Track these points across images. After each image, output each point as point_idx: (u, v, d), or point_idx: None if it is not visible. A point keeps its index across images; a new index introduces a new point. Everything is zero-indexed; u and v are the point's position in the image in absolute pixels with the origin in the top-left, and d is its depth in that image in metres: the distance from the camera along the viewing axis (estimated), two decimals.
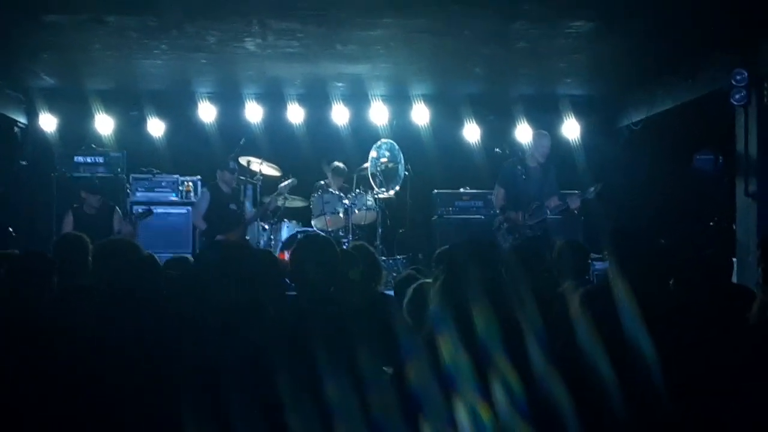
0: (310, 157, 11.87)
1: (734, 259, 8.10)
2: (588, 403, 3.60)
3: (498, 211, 10.38)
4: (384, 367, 4.04)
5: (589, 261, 6.26)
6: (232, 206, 10.64)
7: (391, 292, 6.59)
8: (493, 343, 3.69)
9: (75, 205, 10.19)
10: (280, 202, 11.02)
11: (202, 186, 11.77)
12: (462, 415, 3.65)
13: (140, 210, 10.64)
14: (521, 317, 3.86)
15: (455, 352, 3.72)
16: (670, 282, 4.55)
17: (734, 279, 7.21)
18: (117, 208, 10.38)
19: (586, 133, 12.17)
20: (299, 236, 10.74)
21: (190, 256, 7.97)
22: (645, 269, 4.04)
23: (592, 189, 9.94)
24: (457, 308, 3.85)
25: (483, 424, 3.62)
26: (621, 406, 3.60)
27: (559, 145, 11.68)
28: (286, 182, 10.97)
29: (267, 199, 11.00)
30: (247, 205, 11.17)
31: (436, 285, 4.08)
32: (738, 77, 8.53)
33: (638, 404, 3.63)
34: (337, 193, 11.18)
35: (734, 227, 9.25)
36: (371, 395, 3.79)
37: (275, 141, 11.93)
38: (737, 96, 8.59)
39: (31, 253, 4.76)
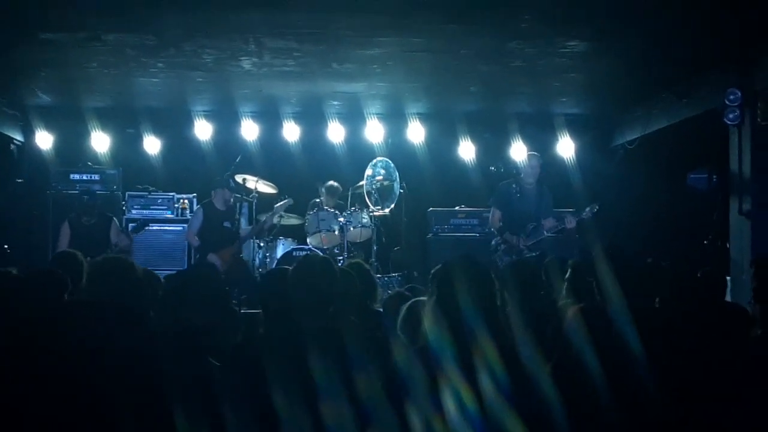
0: (305, 175, 11.90)
1: (728, 278, 8.12)
2: (583, 418, 3.62)
3: (495, 232, 10.38)
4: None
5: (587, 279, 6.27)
6: (227, 224, 10.60)
7: None
8: (486, 359, 3.71)
9: (72, 215, 10.20)
10: (275, 220, 11.02)
11: (197, 204, 11.78)
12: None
13: (134, 225, 10.65)
14: (516, 333, 3.88)
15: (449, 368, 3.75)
16: (656, 300, 4.57)
17: (728, 297, 7.22)
18: (114, 219, 10.38)
19: (581, 152, 12.21)
20: (294, 254, 10.74)
21: None
22: (632, 285, 4.06)
23: (588, 209, 9.96)
24: (451, 325, 3.87)
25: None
26: (616, 421, 3.62)
27: (554, 163, 11.72)
28: (282, 202, 10.97)
29: (263, 218, 11.01)
30: (243, 222, 11.17)
31: (430, 302, 4.10)
32: (731, 97, 8.58)
33: (632, 420, 3.65)
34: (332, 210, 11.21)
35: (728, 245, 9.29)
36: (367, 412, 3.81)
37: (271, 159, 11.95)
38: (731, 115, 8.64)
39: (43, 271, 4.76)
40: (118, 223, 10.39)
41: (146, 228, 10.63)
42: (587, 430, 3.65)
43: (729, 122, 8.70)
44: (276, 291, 4.61)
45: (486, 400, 3.62)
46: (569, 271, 5.42)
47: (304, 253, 10.80)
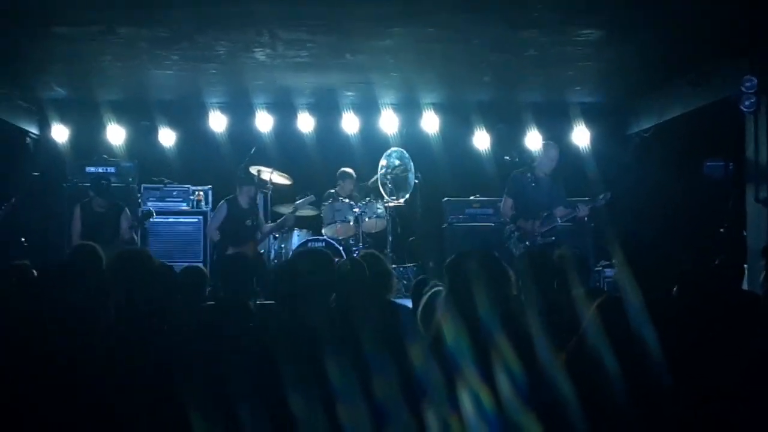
0: (320, 166, 11.92)
1: (745, 266, 8.09)
2: (597, 410, 3.61)
3: (508, 221, 10.37)
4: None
5: (588, 268, 6.27)
6: (248, 222, 10.61)
7: (402, 300, 6.65)
8: (503, 357, 3.71)
9: (84, 200, 10.28)
10: (295, 214, 11.04)
11: (214, 196, 11.81)
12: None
13: (141, 212, 10.69)
14: (532, 326, 3.88)
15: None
16: (674, 289, 4.56)
17: (745, 285, 7.20)
18: (126, 209, 10.40)
19: (596, 140, 12.17)
20: (310, 245, 10.75)
21: (202, 265, 8.05)
22: (650, 275, 4.05)
23: (601, 197, 9.93)
24: (465, 320, 3.88)
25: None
26: (631, 414, 3.61)
27: (569, 152, 11.68)
28: (303, 199, 10.99)
29: (282, 210, 11.04)
30: (261, 217, 11.19)
31: (443, 296, 4.11)
32: (747, 84, 8.53)
33: (647, 412, 3.64)
34: (347, 201, 11.22)
35: (745, 234, 9.24)
36: (384, 412, 3.82)
37: (285, 150, 11.96)
38: (747, 103, 8.58)
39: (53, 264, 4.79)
40: (129, 213, 10.41)
41: (152, 218, 10.71)
42: (604, 427, 3.63)
43: (745, 110, 8.64)
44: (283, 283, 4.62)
45: (503, 399, 3.62)
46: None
47: (320, 244, 10.84)
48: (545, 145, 10.52)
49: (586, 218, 10.10)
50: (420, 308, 4.94)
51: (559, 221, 9.98)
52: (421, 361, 4.01)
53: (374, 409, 3.84)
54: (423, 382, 3.89)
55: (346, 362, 3.88)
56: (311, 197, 11.06)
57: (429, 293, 5.03)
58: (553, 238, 9.79)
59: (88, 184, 10.57)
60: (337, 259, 6.04)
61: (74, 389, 3.82)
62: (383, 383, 3.90)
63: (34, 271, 5.14)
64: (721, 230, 9.86)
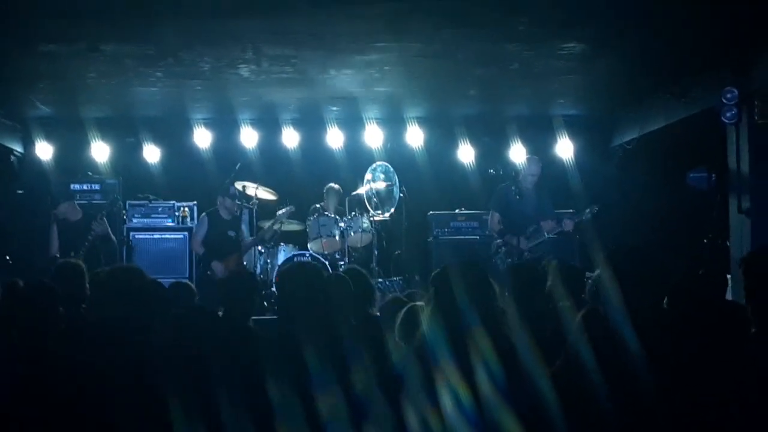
0: (305, 181, 11.95)
1: (728, 276, 8.13)
2: (581, 417, 3.64)
3: (495, 235, 10.40)
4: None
5: (585, 281, 6.29)
6: (231, 233, 10.69)
7: None
8: (483, 355, 3.73)
9: (59, 219, 10.34)
10: (276, 226, 11.06)
11: (199, 212, 11.81)
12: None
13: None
14: (514, 333, 3.90)
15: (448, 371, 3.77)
16: (665, 300, 4.59)
17: (729, 296, 7.24)
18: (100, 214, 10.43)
19: (579, 153, 12.22)
20: (295, 260, 10.77)
21: (188, 281, 8.06)
22: (646, 286, 4.07)
23: (587, 211, 9.98)
24: (448, 324, 3.90)
25: None
26: (614, 422, 3.63)
27: (553, 164, 11.74)
28: (284, 210, 11.02)
29: (265, 226, 11.07)
30: (244, 229, 11.21)
31: (429, 306, 4.13)
32: (728, 95, 8.58)
33: (633, 420, 3.66)
34: (332, 216, 11.24)
35: (728, 244, 9.30)
36: (363, 406, 3.84)
37: (271, 165, 11.98)
38: (728, 114, 8.63)
39: (35, 284, 4.78)
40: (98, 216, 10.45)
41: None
42: (584, 427, 3.66)
43: (726, 121, 8.69)
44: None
45: (482, 396, 3.64)
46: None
47: (306, 258, 10.85)
48: (528, 160, 10.59)
49: (571, 231, 10.15)
50: (398, 323, 4.95)
51: (546, 235, 10.02)
52: (400, 356, 4.04)
53: (353, 402, 3.87)
54: (402, 376, 3.92)
55: (325, 357, 3.91)
56: (291, 208, 11.08)
57: (405, 308, 5.04)
58: (539, 254, 9.81)
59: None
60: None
61: (66, 404, 3.83)
62: (361, 377, 3.93)
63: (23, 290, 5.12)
64: (705, 241, 9.92)
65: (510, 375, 3.72)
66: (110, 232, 10.46)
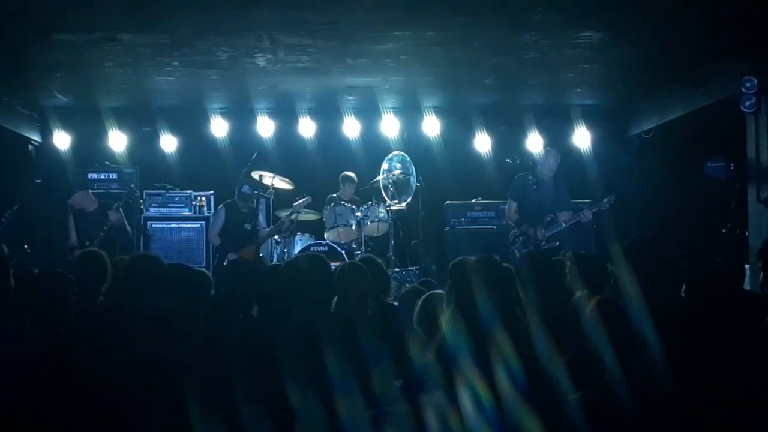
0: (322, 171, 11.96)
1: (746, 266, 8.09)
2: (600, 412, 3.62)
3: (513, 224, 10.39)
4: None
5: (605, 270, 6.24)
6: (247, 226, 10.71)
7: None
8: (503, 355, 3.72)
9: (75, 209, 10.52)
10: (293, 217, 11.08)
11: (216, 201, 11.84)
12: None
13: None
14: (533, 327, 3.89)
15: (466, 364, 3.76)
16: (682, 289, 4.56)
17: (747, 286, 7.20)
18: (116, 204, 10.53)
19: (597, 142, 12.17)
20: (312, 249, 10.79)
21: (206, 270, 8.07)
22: (663, 278, 4.05)
23: (605, 200, 9.95)
24: (467, 320, 3.89)
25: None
26: (632, 414, 3.61)
27: (570, 154, 11.69)
28: (301, 200, 11.03)
29: (282, 216, 11.09)
30: (261, 219, 11.23)
31: (448, 310, 4.12)
32: (747, 84, 8.51)
33: (650, 413, 3.64)
34: (349, 205, 11.24)
35: (746, 234, 9.24)
36: (381, 408, 3.83)
37: (287, 155, 11.99)
38: (747, 103, 8.57)
39: (48, 272, 4.79)
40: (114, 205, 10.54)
41: (134, 196, 10.83)
42: (603, 426, 3.64)
43: (745, 110, 8.63)
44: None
45: (502, 396, 3.63)
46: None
47: (322, 248, 10.86)
48: (545, 152, 10.56)
49: (589, 221, 10.12)
50: (416, 311, 4.95)
51: (564, 225, 9.99)
52: (420, 356, 4.03)
53: (373, 405, 3.86)
54: (422, 376, 3.91)
55: (345, 357, 3.90)
56: (308, 198, 11.09)
57: (424, 296, 5.04)
58: (557, 243, 9.80)
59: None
60: (338, 263, 6.09)
61: (84, 389, 3.84)
62: (382, 379, 3.92)
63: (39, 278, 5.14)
64: (723, 231, 9.86)
65: (528, 370, 3.71)
66: (126, 222, 10.52)
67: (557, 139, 11.57)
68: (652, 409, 3.69)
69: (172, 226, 11.73)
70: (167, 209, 11.95)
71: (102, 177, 11.77)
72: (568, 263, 5.58)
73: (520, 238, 10.11)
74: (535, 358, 3.79)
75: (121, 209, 10.46)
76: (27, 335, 4.19)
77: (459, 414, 3.72)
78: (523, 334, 3.96)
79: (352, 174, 11.70)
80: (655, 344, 3.71)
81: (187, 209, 12.02)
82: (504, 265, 4.64)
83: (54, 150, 12.05)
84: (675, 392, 3.63)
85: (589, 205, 10.14)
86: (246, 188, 10.82)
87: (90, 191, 10.81)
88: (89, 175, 11.76)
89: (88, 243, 9.71)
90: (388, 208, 11.25)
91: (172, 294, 4.55)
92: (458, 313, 4.08)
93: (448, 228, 11.87)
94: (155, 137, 12.20)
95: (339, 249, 10.90)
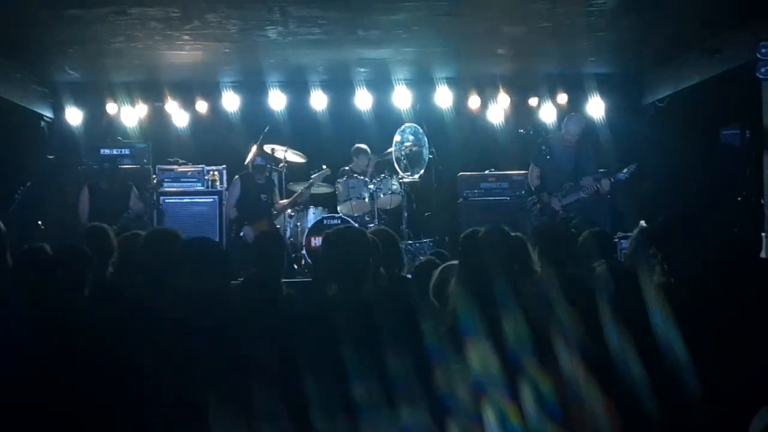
0: (334, 143, 11.94)
1: (762, 234, 8.03)
2: (618, 396, 3.60)
3: (533, 190, 10.37)
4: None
5: (614, 243, 6.19)
6: (263, 196, 10.75)
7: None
8: (520, 343, 3.69)
9: (92, 181, 10.52)
10: (310, 188, 11.09)
11: (229, 175, 11.83)
12: (489, 416, 3.67)
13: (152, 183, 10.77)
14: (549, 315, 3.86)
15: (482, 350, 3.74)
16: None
17: (763, 254, 7.15)
18: (134, 187, 10.58)
19: (611, 111, 12.10)
20: (325, 222, 10.78)
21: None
22: (682, 257, 4.03)
23: (625, 170, 9.86)
24: (478, 294, 3.87)
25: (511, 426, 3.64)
26: (651, 395, 3.59)
27: (584, 123, 11.61)
28: (319, 172, 11.03)
29: (297, 189, 11.08)
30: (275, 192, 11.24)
31: (458, 270, 4.10)
32: (764, 50, 8.39)
33: (669, 392, 3.62)
34: (362, 178, 11.22)
35: (762, 202, 9.17)
36: (397, 387, 3.82)
37: (299, 128, 11.99)
38: (763, 69, 8.45)
39: (66, 247, 4.77)
40: (137, 192, 10.58)
41: (161, 188, 10.81)
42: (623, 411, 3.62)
43: (761, 76, 8.52)
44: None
45: (528, 413, 3.60)
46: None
47: (335, 221, 10.84)
48: (568, 117, 10.48)
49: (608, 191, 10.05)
50: (432, 282, 4.92)
51: (583, 194, 9.92)
52: (433, 330, 4.01)
53: (387, 388, 3.84)
54: (434, 353, 3.89)
55: (362, 345, 3.88)
56: (327, 170, 11.08)
57: (441, 267, 5.01)
58: (572, 213, 9.75)
59: (97, 167, 10.77)
60: None
61: (100, 364, 3.84)
62: (396, 361, 3.90)
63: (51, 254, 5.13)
64: (739, 198, 9.79)
65: (539, 345, 3.68)
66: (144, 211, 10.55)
67: (571, 108, 11.52)
68: (667, 380, 3.66)
69: (185, 200, 11.70)
70: (180, 184, 11.91)
71: (114, 153, 11.75)
72: (587, 235, 5.54)
73: (537, 206, 10.07)
74: (548, 332, 3.76)
75: (143, 196, 10.50)
76: (27, 315, 4.16)
77: (468, 384, 3.71)
78: (536, 307, 3.92)
79: (364, 146, 11.67)
80: (671, 322, 3.68)
81: (199, 184, 12.00)
82: (513, 234, 4.60)
83: (66, 126, 12.07)
84: (693, 364, 3.60)
85: (607, 175, 10.07)
86: (259, 159, 10.82)
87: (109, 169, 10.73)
88: (102, 151, 11.75)
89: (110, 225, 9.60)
90: (401, 181, 11.23)
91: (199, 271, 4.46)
92: (468, 287, 4.05)
93: (461, 200, 11.82)
94: (167, 112, 12.19)
95: (352, 222, 10.88)
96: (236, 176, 11.11)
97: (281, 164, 11.26)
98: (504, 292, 3.87)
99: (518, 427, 3.61)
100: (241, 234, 10.56)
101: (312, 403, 3.73)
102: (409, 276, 6.12)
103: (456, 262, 4.67)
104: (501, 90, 12.10)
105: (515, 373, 3.70)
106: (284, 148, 11.23)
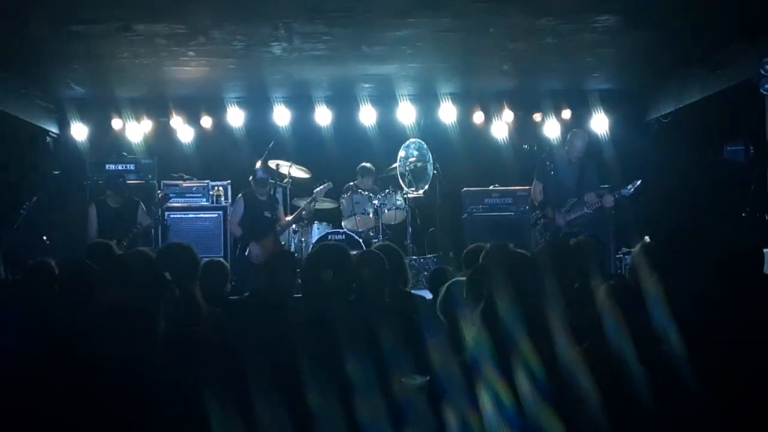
0: (338, 159, 11.96)
1: (766, 250, 8.01)
2: (616, 397, 3.59)
3: (536, 205, 10.36)
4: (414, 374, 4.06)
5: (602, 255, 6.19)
6: (267, 214, 10.70)
7: (420, 292, 6.64)
8: (524, 356, 3.69)
9: (100, 198, 10.41)
10: (312, 204, 11.08)
11: (233, 191, 11.85)
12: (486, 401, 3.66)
13: (158, 196, 10.75)
14: (550, 316, 3.86)
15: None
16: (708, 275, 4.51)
17: (766, 270, 7.13)
18: (141, 203, 10.54)
19: (615, 127, 12.12)
20: (330, 238, 10.79)
21: (223, 260, 8.07)
22: (683, 271, 4.03)
23: (630, 186, 9.82)
24: (484, 312, 3.87)
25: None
26: (650, 399, 3.58)
27: (588, 139, 11.62)
28: (321, 186, 11.03)
29: (301, 204, 11.08)
30: (279, 208, 11.24)
31: (473, 315, 4.10)
32: (767, 66, 8.43)
33: (667, 397, 3.61)
34: (366, 193, 11.23)
35: (766, 218, 9.17)
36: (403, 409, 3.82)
37: (304, 143, 12.01)
38: (767, 85, 8.49)
39: (74, 262, 4.78)
40: (144, 207, 10.54)
41: (168, 202, 10.76)
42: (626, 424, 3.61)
43: (765, 92, 8.54)
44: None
45: (523, 396, 3.60)
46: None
47: (340, 236, 10.86)
48: (572, 133, 10.41)
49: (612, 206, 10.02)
50: (440, 298, 4.93)
51: (586, 209, 9.89)
52: (441, 360, 4.00)
53: (393, 406, 3.84)
54: (443, 381, 3.88)
55: (366, 360, 3.88)
56: (329, 184, 11.08)
57: (448, 283, 5.01)
58: (576, 229, 9.72)
59: (102, 182, 10.74)
60: (355, 251, 6.07)
61: (101, 383, 3.83)
62: (399, 370, 3.90)
63: (56, 269, 5.15)
64: (743, 215, 9.78)
65: (546, 361, 3.68)
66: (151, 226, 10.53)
67: (574, 124, 11.52)
68: (671, 395, 3.65)
69: (190, 216, 11.73)
70: (185, 199, 11.95)
71: (119, 168, 11.76)
72: (586, 250, 5.55)
73: (541, 221, 10.06)
74: (556, 357, 3.75)
75: (156, 210, 10.48)
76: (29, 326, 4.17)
77: (480, 417, 3.69)
78: (543, 332, 3.91)
79: (369, 165, 11.68)
80: (673, 331, 3.68)
81: (204, 199, 12.03)
82: (519, 251, 4.61)
83: (72, 141, 12.11)
84: (694, 382, 3.60)
85: (611, 191, 10.04)
86: (260, 173, 10.80)
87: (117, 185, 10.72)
88: (107, 166, 11.77)
89: (115, 241, 9.57)
90: (405, 196, 11.24)
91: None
92: (479, 312, 4.04)
93: (465, 215, 11.83)
94: (172, 127, 12.23)
95: (356, 237, 10.88)
96: (239, 195, 11.10)
97: (286, 179, 11.28)
98: (513, 316, 3.86)
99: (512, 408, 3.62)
100: (246, 252, 10.53)
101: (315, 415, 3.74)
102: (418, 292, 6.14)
103: (463, 278, 4.68)
104: (505, 105, 12.14)
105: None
106: (289, 164, 11.25)
